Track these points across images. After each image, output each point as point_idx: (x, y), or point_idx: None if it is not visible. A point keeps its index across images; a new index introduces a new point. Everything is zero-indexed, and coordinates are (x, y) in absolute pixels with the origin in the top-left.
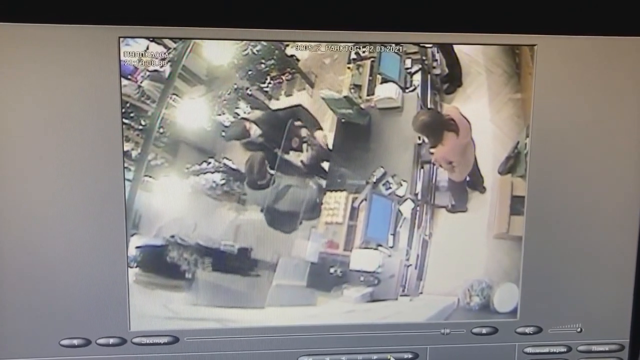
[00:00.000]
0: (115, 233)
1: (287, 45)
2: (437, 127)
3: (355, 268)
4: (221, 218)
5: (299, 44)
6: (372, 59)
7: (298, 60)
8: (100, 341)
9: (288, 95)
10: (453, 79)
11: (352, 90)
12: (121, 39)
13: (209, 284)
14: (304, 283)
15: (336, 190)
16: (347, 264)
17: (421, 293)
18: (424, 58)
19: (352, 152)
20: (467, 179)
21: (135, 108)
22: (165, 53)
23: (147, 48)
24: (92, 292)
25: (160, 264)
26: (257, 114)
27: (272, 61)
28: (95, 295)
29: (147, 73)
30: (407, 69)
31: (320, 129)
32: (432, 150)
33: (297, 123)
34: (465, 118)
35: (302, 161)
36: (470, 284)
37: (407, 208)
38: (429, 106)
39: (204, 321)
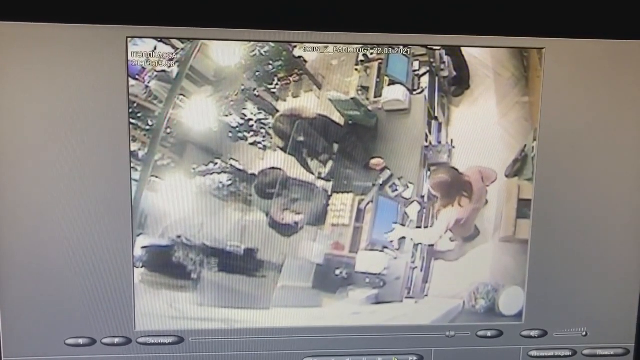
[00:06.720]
0: (122, 233)
1: (295, 47)
2: (453, 188)
3: (361, 270)
4: (227, 219)
5: (307, 45)
6: (380, 60)
7: (306, 61)
8: (106, 341)
9: (295, 96)
10: (461, 82)
11: (360, 92)
12: (129, 39)
13: (215, 284)
14: (309, 284)
15: (343, 192)
16: (353, 265)
17: (426, 295)
18: (431, 60)
19: (359, 153)
20: None
21: (143, 108)
22: (173, 53)
23: (155, 48)
24: (98, 291)
25: (166, 264)
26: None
27: (280, 62)
28: (101, 295)
29: (155, 73)
30: (415, 71)
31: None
32: (441, 209)
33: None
34: (483, 181)
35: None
36: (475, 286)
37: (413, 210)
38: (435, 115)
39: (209, 321)
